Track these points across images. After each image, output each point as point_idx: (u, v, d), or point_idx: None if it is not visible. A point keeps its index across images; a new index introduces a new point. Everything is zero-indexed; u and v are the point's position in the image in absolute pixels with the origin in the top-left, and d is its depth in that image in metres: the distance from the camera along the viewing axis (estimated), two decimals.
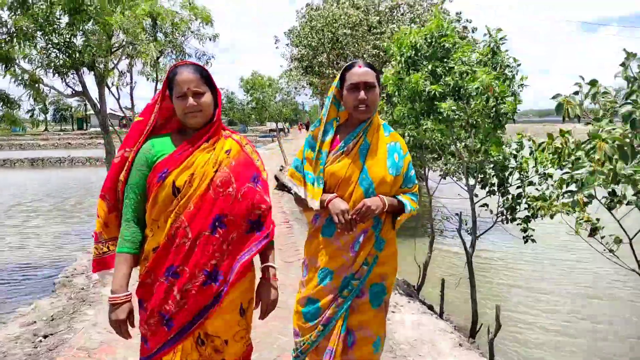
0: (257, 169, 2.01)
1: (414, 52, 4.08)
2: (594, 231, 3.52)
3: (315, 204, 2.12)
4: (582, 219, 3.23)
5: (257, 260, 2.01)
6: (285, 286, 4.05)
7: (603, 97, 2.75)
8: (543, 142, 3.30)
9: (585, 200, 3.17)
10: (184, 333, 1.84)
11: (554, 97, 2.86)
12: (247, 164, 1.98)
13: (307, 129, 64.00)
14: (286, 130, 49.32)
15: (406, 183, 2.23)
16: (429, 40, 4.05)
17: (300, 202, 2.27)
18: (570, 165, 3.37)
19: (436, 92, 3.81)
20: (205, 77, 1.90)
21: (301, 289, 2.30)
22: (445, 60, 4.03)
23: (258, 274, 2.06)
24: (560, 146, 3.04)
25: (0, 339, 3.62)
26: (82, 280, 5.13)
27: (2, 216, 12.36)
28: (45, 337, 3.63)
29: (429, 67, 3.98)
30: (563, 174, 3.75)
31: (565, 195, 4.15)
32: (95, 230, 1.98)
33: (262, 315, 2.10)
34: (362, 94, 2.09)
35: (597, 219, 3.45)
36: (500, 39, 4.20)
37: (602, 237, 3.51)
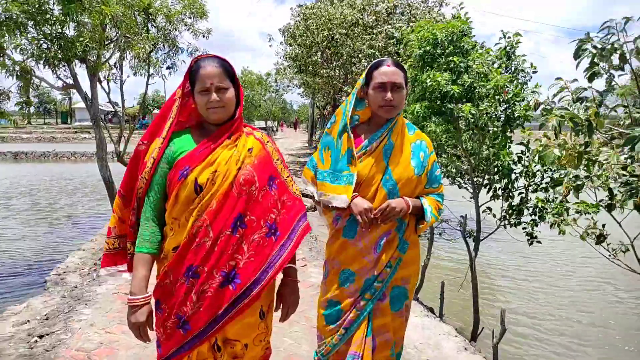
0: (274, 170, 1.94)
1: (433, 48, 3.99)
2: (600, 238, 3.51)
3: (343, 201, 2.02)
4: (590, 228, 3.21)
5: None
6: None
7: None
8: (538, 147, 3.26)
9: (567, 190, 3.18)
10: (200, 338, 1.76)
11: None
12: (267, 164, 1.91)
13: (295, 128, 63.83)
14: (274, 128, 48.92)
15: (431, 183, 2.18)
16: (450, 38, 3.99)
17: (319, 202, 2.20)
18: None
19: (454, 93, 3.75)
20: (229, 72, 1.82)
21: (322, 291, 2.24)
22: (463, 59, 3.96)
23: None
24: (541, 149, 3.02)
25: None
26: (75, 278, 4.97)
27: None
28: (40, 337, 3.49)
29: (453, 59, 3.85)
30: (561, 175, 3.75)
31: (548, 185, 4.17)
32: (109, 224, 1.91)
33: (283, 318, 2.04)
34: (389, 95, 2.03)
35: (604, 225, 3.44)
36: (517, 42, 4.17)
37: (609, 244, 3.51)
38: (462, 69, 3.92)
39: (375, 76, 2.07)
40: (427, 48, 4.02)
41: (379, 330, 2.13)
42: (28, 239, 9.30)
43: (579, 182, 2.77)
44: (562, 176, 3.83)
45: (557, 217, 3.96)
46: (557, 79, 2.59)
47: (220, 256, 1.74)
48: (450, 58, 3.92)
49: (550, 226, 4.07)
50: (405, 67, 4.88)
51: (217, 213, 1.74)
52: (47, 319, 3.87)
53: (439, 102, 4.00)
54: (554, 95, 2.59)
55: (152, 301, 1.79)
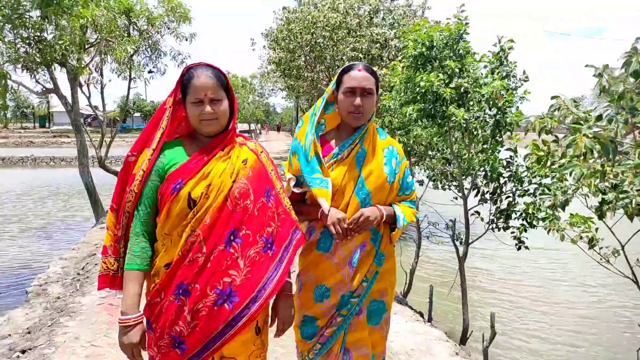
0: (270, 181, 1.88)
1: (428, 50, 3.98)
2: (592, 242, 3.53)
3: (324, 205, 1.92)
4: (584, 232, 3.23)
5: None
6: None
7: (577, 109, 2.77)
8: (529, 154, 3.27)
9: (561, 203, 3.21)
10: (197, 357, 1.70)
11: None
12: (262, 176, 1.86)
13: (279, 130, 63.73)
14: (258, 131, 48.61)
15: (403, 190, 2.13)
16: (446, 41, 4.00)
17: (298, 213, 2.11)
18: (554, 171, 3.43)
19: (447, 96, 3.75)
20: (223, 83, 1.77)
21: (297, 305, 2.14)
22: (458, 64, 3.97)
23: None
24: (542, 154, 3.03)
25: None
26: (58, 288, 4.84)
27: None
28: (23, 352, 3.37)
29: (448, 64, 3.85)
30: (552, 180, 3.77)
31: (542, 198, 4.21)
32: (104, 243, 1.82)
33: (279, 333, 1.99)
34: (358, 100, 1.96)
35: (597, 229, 3.46)
36: (509, 48, 4.20)
37: (600, 249, 3.53)
38: (456, 73, 3.92)
39: (345, 80, 2.00)
40: (422, 50, 4.00)
41: (354, 345, 2.09)
42: (5, 249, 9.03)
43: (567, 197, 2.78)
44: (552, 184, 3.83)
45: (552, 223, 3.94)
46: (554, 97, 2.59)
47: (213, 273, 1.68)
48: (446, 62, 3.91)
49: (548, 232, 4.05)
50: (400, 67, 4.86)
51: (212, 228, 1.69)
52: (29, 332, 3.75)
53: (431, 106, 3.99)
54: (552, 112, 2.59)
55: (144, 320, 1.73)
